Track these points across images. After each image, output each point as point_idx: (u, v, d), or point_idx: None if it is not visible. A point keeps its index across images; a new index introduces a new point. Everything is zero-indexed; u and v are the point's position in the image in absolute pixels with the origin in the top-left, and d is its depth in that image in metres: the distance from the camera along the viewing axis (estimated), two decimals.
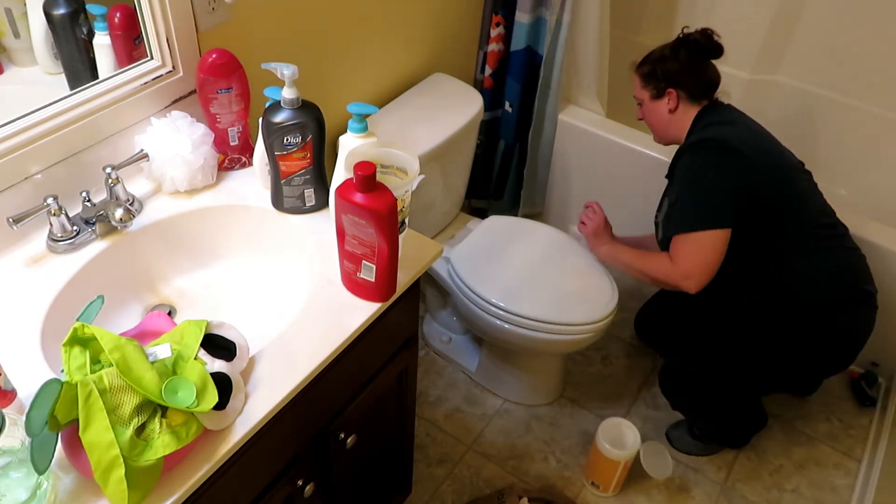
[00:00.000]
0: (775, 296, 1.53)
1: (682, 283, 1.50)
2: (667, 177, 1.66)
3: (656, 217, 1.66)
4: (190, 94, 1.21)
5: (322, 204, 1.17)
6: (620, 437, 1.71)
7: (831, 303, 1.52)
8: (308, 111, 1.07)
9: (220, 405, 0.83)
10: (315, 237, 1.13)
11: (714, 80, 1.59)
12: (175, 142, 1.14)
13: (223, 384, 0.84)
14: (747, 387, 1.69)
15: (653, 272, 1.57)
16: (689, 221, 1.49)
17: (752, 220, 1.48)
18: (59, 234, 1.05)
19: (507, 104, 2.10)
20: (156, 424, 0.77)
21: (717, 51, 1.57)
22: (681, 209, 1.51)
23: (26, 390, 0.85)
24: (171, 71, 1.18)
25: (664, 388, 1.79)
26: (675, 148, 1.65)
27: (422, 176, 1.01)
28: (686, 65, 1.57)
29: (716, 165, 1.48)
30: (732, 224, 1.46)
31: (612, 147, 2.10)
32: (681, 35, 1.61)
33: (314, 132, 1.09)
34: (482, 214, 2.20)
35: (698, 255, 1.47)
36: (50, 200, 1.02)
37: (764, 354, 1.57)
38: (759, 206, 1.48)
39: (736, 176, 1.46)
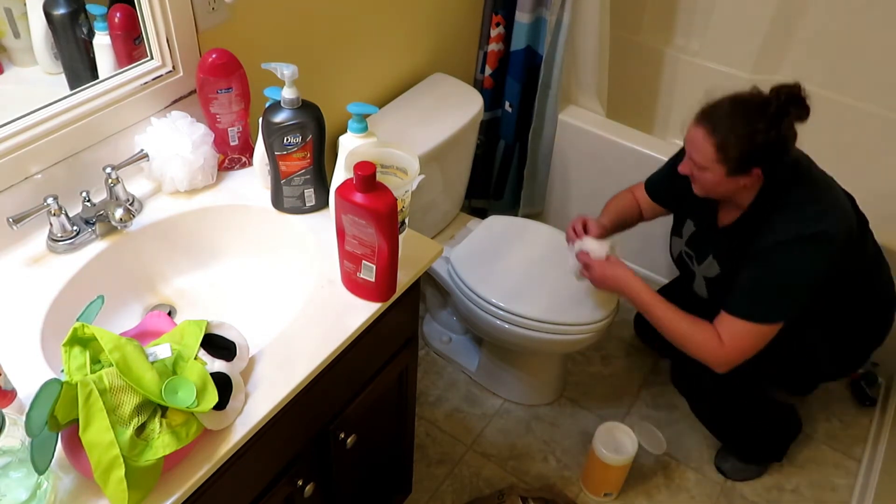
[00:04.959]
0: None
1: (719, 365, 1.42)
2: (730, 240, 1.47)
3: (687, 253, 1.58)
4: (190, 94, 1.21)
5: (322, 204, 1.17)
6: (614, 441, 1.69)
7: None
8: (308, 111, 1.07)
9: (220, 405, 0.83)
10: (315, 237, 1.13)
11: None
12: (175, 142, 1.14)
13: (223, 384, 0.84)
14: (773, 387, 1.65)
15: (692, 344, 1.44)
16: (760, 312, 1.39)
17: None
18: (59, 234, 1.05)
19: (507, 104, 2.10)
20: (156, 424, 0.77)
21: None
22: (758, 298, 1.40)
23: (26, 390, 0.85)
24: (171, 71, 1.18)
25: (683, 391, 1.72)
26: None
27: (422, 176, 1.01)
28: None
29: (812, 261, 1.37)
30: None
31: (612, 147, 2.10)
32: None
33: (314, 132, 1.09)
34: (482, 214, 2.19)
35: (750, 344, 1.40)
36: (50, 200, 1.02)
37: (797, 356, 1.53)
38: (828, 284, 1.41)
39: (825, 269, 1.37)
